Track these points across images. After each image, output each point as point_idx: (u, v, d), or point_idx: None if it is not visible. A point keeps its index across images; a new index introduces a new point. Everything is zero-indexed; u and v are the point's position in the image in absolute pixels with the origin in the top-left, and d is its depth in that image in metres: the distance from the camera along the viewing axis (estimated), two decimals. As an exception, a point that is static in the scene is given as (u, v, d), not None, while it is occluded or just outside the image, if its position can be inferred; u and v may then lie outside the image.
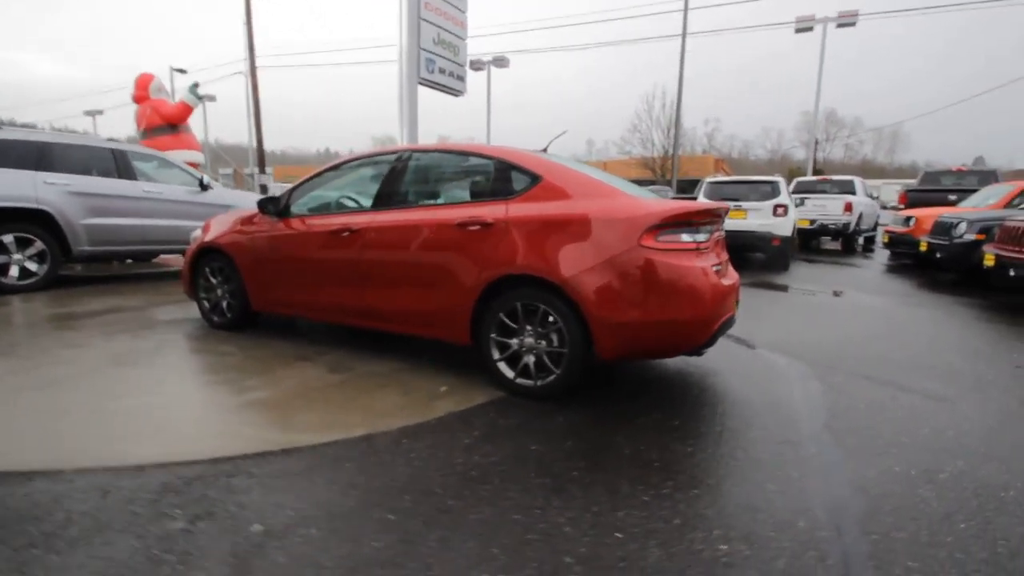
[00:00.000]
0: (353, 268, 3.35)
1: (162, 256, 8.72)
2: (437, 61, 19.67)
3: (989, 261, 5.96)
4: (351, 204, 3.80)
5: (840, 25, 16.68)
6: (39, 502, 1.78)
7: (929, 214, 9.11)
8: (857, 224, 12.19)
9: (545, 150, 3.56)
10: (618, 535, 1.72)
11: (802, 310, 5.75)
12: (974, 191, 11.34)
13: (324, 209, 3.80)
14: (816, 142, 26.24)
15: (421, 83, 18.64)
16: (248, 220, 3.96)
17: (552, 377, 2.81)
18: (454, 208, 3.09)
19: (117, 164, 6.38)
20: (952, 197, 11.37)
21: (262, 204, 3.73)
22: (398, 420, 2.54)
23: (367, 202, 3.58)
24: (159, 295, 5.67)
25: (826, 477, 2.14)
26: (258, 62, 22.27)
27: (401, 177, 3.37)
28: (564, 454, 2.26)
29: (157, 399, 2.73)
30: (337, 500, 1.86)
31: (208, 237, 4.13)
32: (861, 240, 13.18)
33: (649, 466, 2.18)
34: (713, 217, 2.82)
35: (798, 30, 17.27)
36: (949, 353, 4.07)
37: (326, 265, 3.48)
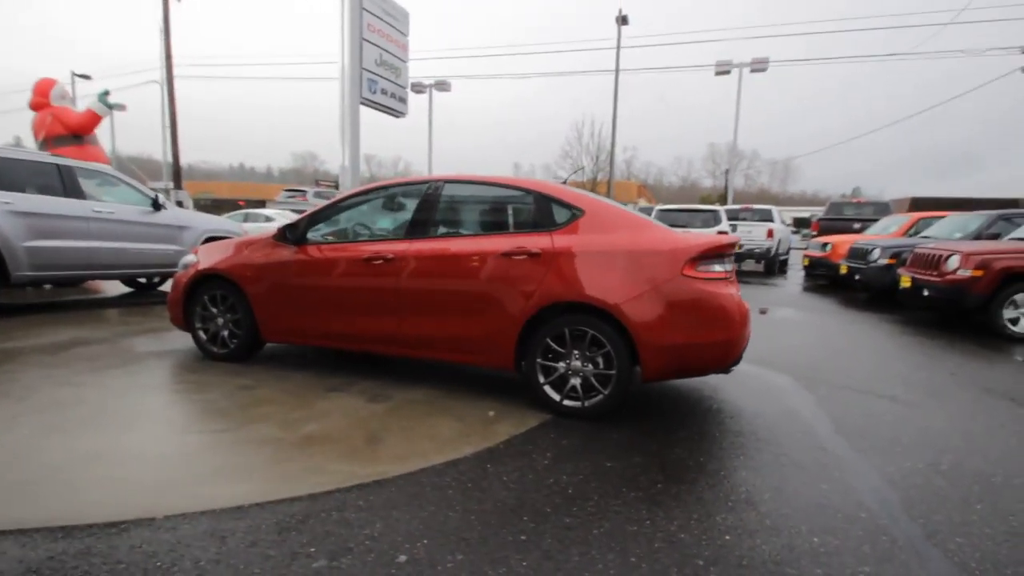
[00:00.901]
0: (388, 297, 3.36)
1: (90, 281, 7.98)
2: (379, 82, 19.59)
3: (906, 282, 6.93)
4: (377, 232, 3.79)
5: (754, 70, 18.68)
6: (154, 553, 1.68)
7: (843, 240, 10.38)
8: (777, 248, 13.58)
9: (565, 182, 3.78)
10: (727, 537, 1.91)
11: (754, 326, 6.35)
12: (873, 220, 13.06)
13: (346, 237, 3.77)
14: (727, 172, 28.76)
15: (363, 103, 18.49)
16: (256, 247, 3.83)
17: (600, 397, 2.98)
18: (496, 238, 3.22)
19: (63, 181, 5.84)
20: (856, 225, 13.02)
21: (281, 231, 3.64)
22: (467, 446, 2.60)
23: (392, 231, 3.62)
24: (119, 324, 5.22)
25: (861, 475, 2.47)
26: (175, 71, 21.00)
27: (434, 206, 3.44)
28: (639, 469, 2.44)
29: (203, 437, 2.58)
30: (460, 526, 1.91)
31: (207, 264, 3.93)
32: (778, 263, 14.63)
33: (716, 475, 2.41)
34: (733, 250, 3.17)
35: (717, 73, 19.12)
36: (896, 363, 4.72)
37: (356, 294, 3.46)
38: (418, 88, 22.72)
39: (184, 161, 22.38)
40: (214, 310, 3.95)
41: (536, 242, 3.10)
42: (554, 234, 3.11)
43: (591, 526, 1.94)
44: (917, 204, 22.12)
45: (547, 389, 3.08)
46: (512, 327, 3.09)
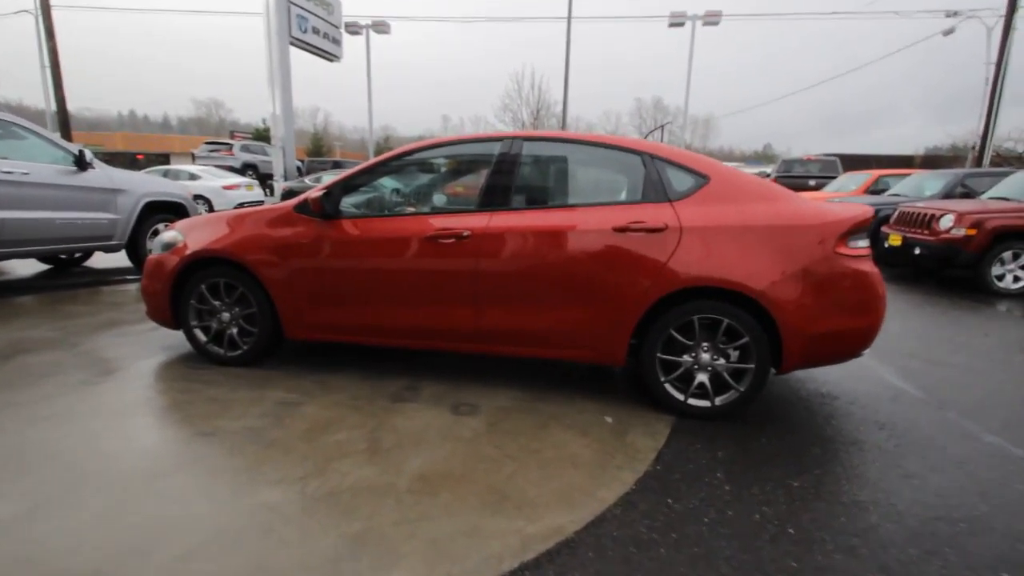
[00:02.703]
0: (464, 283, 2.72)
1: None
2: (310, 19, 17.43)
3: (895, 241, 7.09)
4: (436, 203, 3.08)
5: (706, 23, 18.47)
6: None
7: (813, 198, 10.61)
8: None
9: (646, 138, 3.24)
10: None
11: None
12: (825, 177, 13.56)
13: (393, 208, 3.03)
14: (662, 127, 29.15)
15: (293, 43, 16.38)
16: (267, 221, 3.01)
17: (733, 395, 2.60)
18: (602, 210, 2.66)
19: (-47, 133, 4.45)
20: (812, 183, 13.45)
21: (317, 202, 2.83)
22: (623, 472, 2.12)
23: (459, 201, 2.94)
24: (61, 317, 4.14)
25: (1039, 468, 2.28)
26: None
27: (514, 170, 2.79)
28: (831, 486, 2.09)
29: (285, 492, 1.90)
30: (717, 606, 1.46)
31: (202, 243, 3.05)
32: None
33: (911, 485, 2.11)
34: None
35: (671, 24, 18.73)
36: (925, 325, 4.74)
37: (420, 280, 2.79)
38: (353, 29, 20.53)
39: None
40: (217, 302, 3.10)
41: (656, 215, 2.58)
42: (676, 205, 2.60)
43: (863, 584, 1.56)
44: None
45: (668, 387, 2.65)
46: (627, 316, 2.59)
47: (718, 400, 2.61)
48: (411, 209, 3.06)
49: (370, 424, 2.45)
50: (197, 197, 13.51)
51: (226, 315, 3.11)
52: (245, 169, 18.72)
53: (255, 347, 3.10)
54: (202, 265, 3.09)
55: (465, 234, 2.70)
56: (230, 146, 19.97)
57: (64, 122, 18.97)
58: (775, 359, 2.59)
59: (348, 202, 3.00)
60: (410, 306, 2.84)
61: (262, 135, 29.77)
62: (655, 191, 2.65)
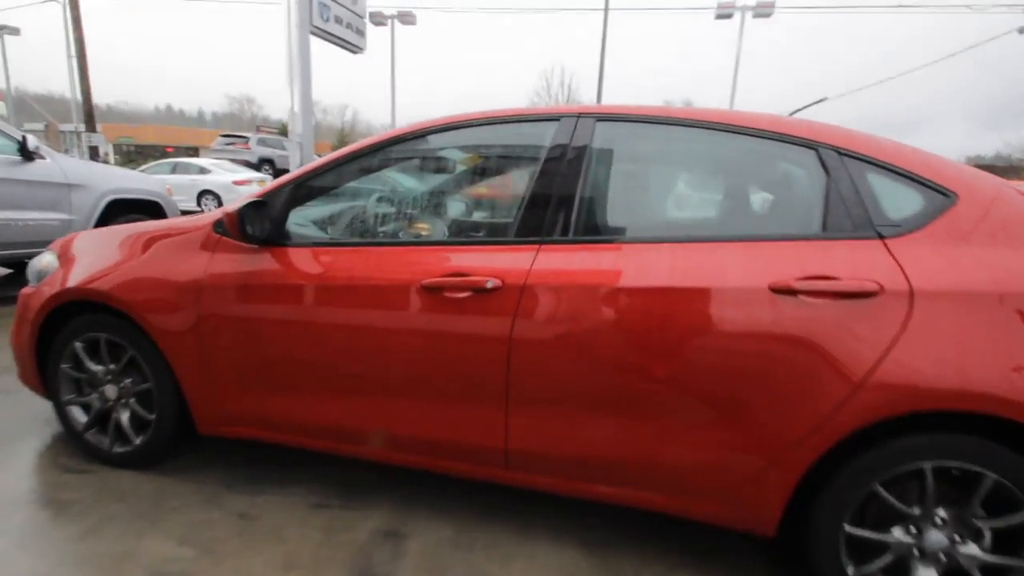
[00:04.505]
0: (487, 366, 1.54)
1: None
2: (332, 7, 16.30)
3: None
4: (448, 224, 1.91)
5: (757, 15, 16.92)
6: None
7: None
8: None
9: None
10: None
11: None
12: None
13: (374, 231, 1.87)
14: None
15: (314, 33, 15.33)
16: (174, 245, 1.88)
17: (993, 612, 1.36)
18: (747, 251, 1.43)
19: None
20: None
21: (234, 218, 1.68)
22: None
23: (483, 223, 1.76)
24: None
25: None
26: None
27: (578, 172, 1.59)
28: None
29: None
30: None
31: (80, 278, 1.94)
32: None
33: None
34: None
35: (718, 16, 17.22)
36: None
37: (411, 356, 1.62)
38: (377, 20, 19.57)
39: (102, 101, 18.70)
40: (95, 369, 1.99)
41: (856, 263, 1.35)
42: (894, 245, 1.37)
43: None
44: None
45: (858, 585, 1.42)
46: (790, 454, 1.38)
47: (960, 618, 1.37)
48: (402, 233, 1.89)
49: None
50: (206, 192, 12.72)
51: (111, 391, 1.98)
52: (261, 163, 17.96)
53: (153, 442, 1.96)
54: (80, 309, 1.98)
55: (490, 284, 1.51)
56: (246, 139, 19.24)
57: (89, 111, 18.48)
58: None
59: (300, 218, 1.85)
60: (393, 398, 1.67)
61: (286, 131, 29.36)
62: (849, 217, 1.41)
